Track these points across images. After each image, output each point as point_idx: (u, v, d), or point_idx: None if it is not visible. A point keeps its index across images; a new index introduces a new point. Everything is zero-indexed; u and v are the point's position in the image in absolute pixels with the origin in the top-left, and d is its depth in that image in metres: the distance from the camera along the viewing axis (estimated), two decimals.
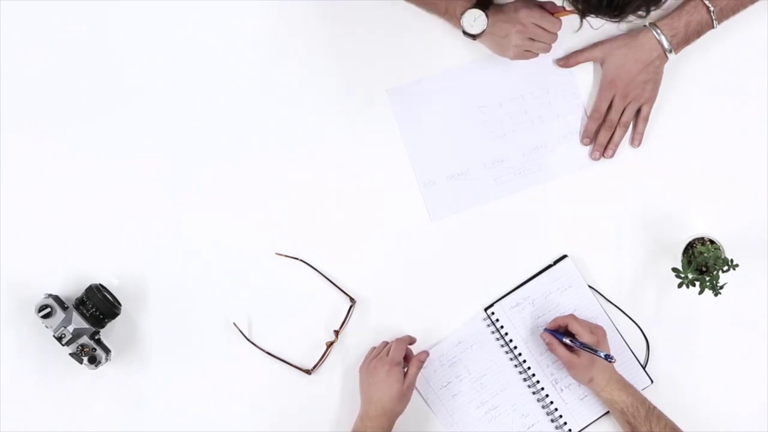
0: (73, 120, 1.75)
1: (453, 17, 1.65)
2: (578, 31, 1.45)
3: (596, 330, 1.67)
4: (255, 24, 1.76)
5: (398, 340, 1.70)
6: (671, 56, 1.70)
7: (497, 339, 1.74)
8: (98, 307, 1.67)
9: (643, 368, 1.73)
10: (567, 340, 1.65)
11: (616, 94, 1.72)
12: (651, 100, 1.73)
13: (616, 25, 1.41)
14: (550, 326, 1.70)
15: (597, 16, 1.35)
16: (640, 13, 1.33)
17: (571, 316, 1.69)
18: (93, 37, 1.76)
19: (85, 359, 1.66)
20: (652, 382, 1.73)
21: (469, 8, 1.62)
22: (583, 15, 1.35)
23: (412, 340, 1.72)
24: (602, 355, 1.63)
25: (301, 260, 1.74)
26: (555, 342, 1.67)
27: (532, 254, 1.75)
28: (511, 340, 1.74)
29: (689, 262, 1.66)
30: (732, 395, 1.73)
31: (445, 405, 1.74)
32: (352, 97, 1.76)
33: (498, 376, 1.74)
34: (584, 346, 1.64)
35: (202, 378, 1.74)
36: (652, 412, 1.64)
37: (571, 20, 1.40)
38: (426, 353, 1.72)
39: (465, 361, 1.74)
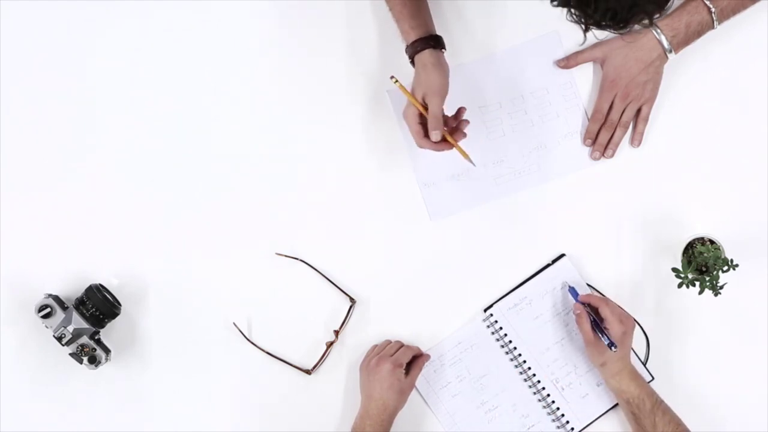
0: (74, 120, 1.76)
1: (404, 43, 1.65)
2: (583, 44, 1.45)
3: (626, 321, 1.66)
4: (254, 24, 1.77)
5: (408, 346, 1.71)
6: (671, 56, 1.70)
7: (497, 340, 1.74)
8: (98, 307, 1.68)
9: (644, 364, 1.73)
10: (591, 314, 1.66)
11: (616, 94, 1.72)
12: (651, 100, 1.73)
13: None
14: (582, 298, 1.69)
15: (600, 30, 1.34)
16: (644, 22, 1.32)
17: (605, 300, 1.68)
18: (94, 37, 1.76)
19: (85, 359, 1.67)
20: (653, 378, 1.73)
21: (416, 50, 1.62)
22: (586, 29, 1.35)
23: (419, 353, 1.73)
24: (606, 342, 1.62)
25: (301, 260, 1.74)
26: (585, 317, 1.66)
27: (533, 254, 1.75)
28: (510, 341, 1.74)
29: (689, 262, 1.66)
30: (732, 394, 1.73)
31: (445, 405, 1.74)
32: (352, 97, 1.76)
33: (498, 376, 1.74)
34: (599, 330, 1.64)
35: (202, 378, 1.74)
36: (658, 406, 1.64)
37: (575, 33, 1.40)
38: (429, 357, 1.73)
39: (465, 362, 1.74)
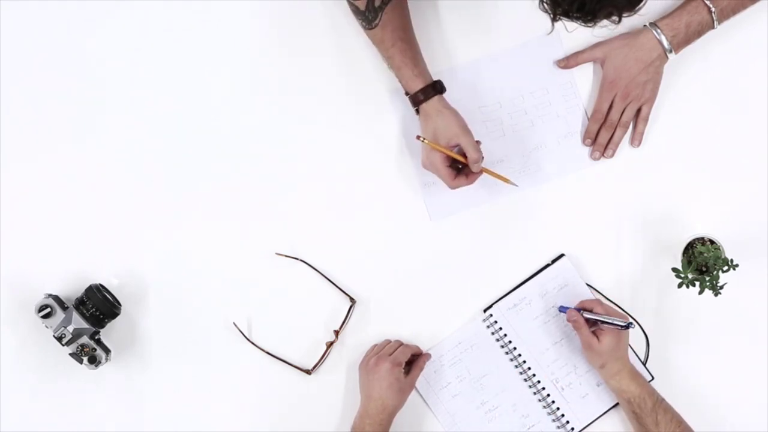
0: (74, 120, 1.76)
1: (404, 87, 1.68)
2: (550, 33, 1.45)
3: (621, 318, 1.66)
4: (253, 24, 1.77)
5: (406, 345, 1.72)
6: (671, 56, 1.70)
7: (497, 340, 1.74)
8: (98, 307, 1.68)
9: (644, 364, 1.73)
10: (588, 315, 1.65)
11: (616, 94, 1.72)
12: (651, 100, 1.73)
13: (611, 27, 1.41)
14: (577, 306, 1.69)
15: (569, 21, 1.34)
16: (613, 18, 1.33)
17: (598, 300, 1.69)
18: (95, 37, 1.77)
19: (85, 359, 1.67)
20: (653, 378, 1.73)
21: (425, 98, 1.64)
22: (554, 18, 1.35)
23: (419, 351, 1.73)
24: (623, 324, 1.63)
25: (301, 260, 1.74)
26: (582, 321, 1.66)
27: (532, 254, 1.75)
28: (510, 341, 1.74)
29: (689, 262, 1.66)
30: (732, 394, 1.73)
31: (446, 405, 1.74)
32: (353, 97, 1.76)
33: (498, 376, 1.74)
34: (605, 321, 1.64)
35: (202, 378, 1.74)
36: (659, 404, 1.64)
37: (575, 33, 1.40)
38: (429, 356, 1.73)
39: (465, 362, 1.74)
